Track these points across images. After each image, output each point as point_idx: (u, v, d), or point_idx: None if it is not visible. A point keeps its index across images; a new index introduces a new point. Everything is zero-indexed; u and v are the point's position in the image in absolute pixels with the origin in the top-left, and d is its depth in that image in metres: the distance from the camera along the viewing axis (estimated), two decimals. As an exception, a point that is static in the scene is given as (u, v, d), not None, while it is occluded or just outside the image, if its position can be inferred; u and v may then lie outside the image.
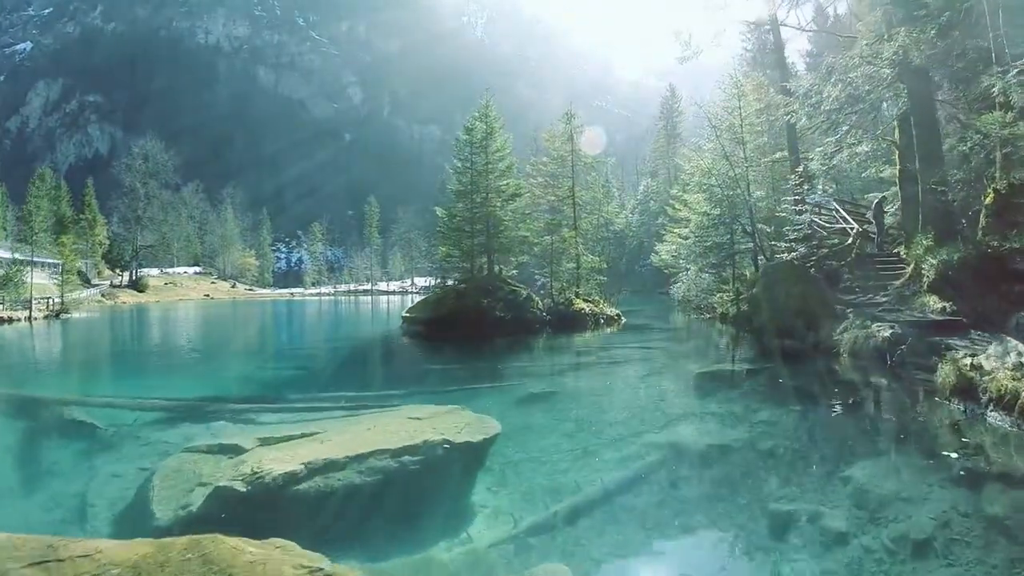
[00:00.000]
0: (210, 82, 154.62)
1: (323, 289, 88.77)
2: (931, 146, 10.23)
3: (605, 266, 17.59)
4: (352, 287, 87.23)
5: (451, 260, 16.23)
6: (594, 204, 18.38)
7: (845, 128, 10.76)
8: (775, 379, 7.53)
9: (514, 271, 16.63)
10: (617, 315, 16.62)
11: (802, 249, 11.65)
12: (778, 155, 14.60)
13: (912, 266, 10.07)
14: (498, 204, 15.95)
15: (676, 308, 24.66)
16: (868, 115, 10.37)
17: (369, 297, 74.11)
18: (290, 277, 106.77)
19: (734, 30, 31.82)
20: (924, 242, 9.99)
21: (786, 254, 11.94)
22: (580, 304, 16.02)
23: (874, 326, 8.36)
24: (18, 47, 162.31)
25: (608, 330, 15.36)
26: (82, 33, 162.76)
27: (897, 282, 10.48)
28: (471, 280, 15.54)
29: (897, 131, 11.01)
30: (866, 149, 10.55)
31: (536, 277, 17.58)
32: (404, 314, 15.35)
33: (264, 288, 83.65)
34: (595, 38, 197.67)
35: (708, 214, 14.68)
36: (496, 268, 16.08)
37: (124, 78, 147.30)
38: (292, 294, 79.85)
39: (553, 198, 17.24)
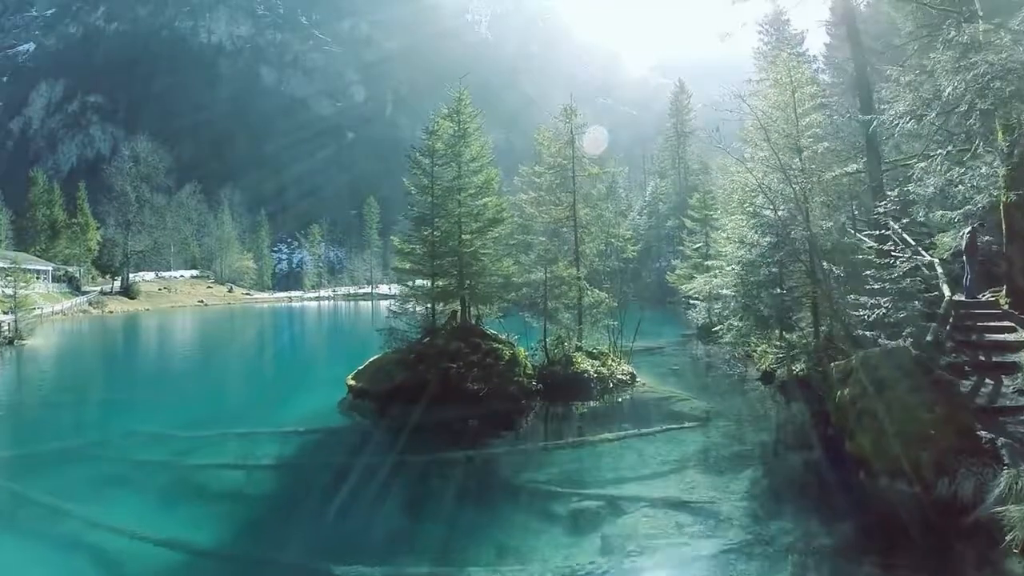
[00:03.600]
0: (212, 82, 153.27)
1: (322, 292, 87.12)
2: None
3: (615, 304, 13.23)
4: (352, 290, 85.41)
5: (411, 304, 12.20)
6: (601, 225, 14.02)
7: (960, 136, 7.85)
8: None
9: (500, 316, 12.85)
10: (630, 376, 12.76)
11: (887, 305, 8.16)
12: (852, 168, 10.85)
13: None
14: (473, 233, 12.03)
15: (695, 337, 21.45)
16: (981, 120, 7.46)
17: (369, 302, 72.15)
18: (291, 278, 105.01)
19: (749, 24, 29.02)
20: None
21: (868, 311, 8.46)
22: (582, 362, 12.13)
23: None
24: (21, 48, 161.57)
25: (619, 399, 11.83)
26: (84, 33, 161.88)
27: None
28: (436, 334, 11.50)
29: (1000, 138, 8.29)
30: (1001, 171, 7.54)
31: (527, 320, 13.03)
32: (349, 380, 11.63)
33: (263, 292, 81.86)
34: (600, 35, 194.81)
35: (756, 245, 11.01)
36: (473, 312, 12.39)
37: (126, 78, 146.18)
38: (290, 299, 78.15)
39: (548, 219, 13.59)
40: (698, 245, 26.25)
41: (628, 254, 14.34)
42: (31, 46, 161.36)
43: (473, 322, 12.24)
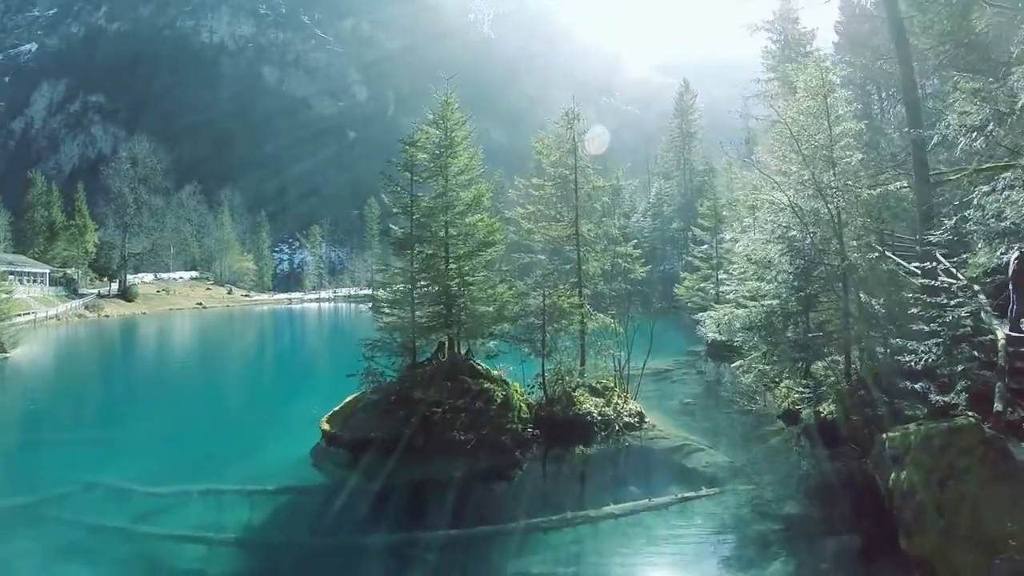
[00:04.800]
0: (214, 81, 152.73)
1: (323, 294, 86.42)
2: None
3: (621, 331, 11.69)
4: (353, 291, 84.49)
5: (391, 342, 10.43)
6: (606, 243, 12.70)
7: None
8: None
9: (492, 347, 11.08)
10: (638, 416, 11.18)
11: (937, 351, 7.03)
12: (896, 186, 9.42)
13: None
14: (460, 258, 10.45)
15: (705, 354, 20.32)
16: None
17: (370, 304, 71.02)
18: (292, 279, 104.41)
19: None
20: None
21: (913, 357, 7.25)
22: (584, 402, 10.68)
23: None
24: (23, 48, 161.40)
25: (626, 444, 10.45)
26: (86, 33, 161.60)
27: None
28: (419, 372, 10.03)
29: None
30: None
31: (524, 352, 11.35)
32: (323, 425, 10.27)
33: (263, 293, 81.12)
34: (602, 34, 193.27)
35: (782, 271, 9.62)
36: (463, 345, 10.85)
37: (127, 78, 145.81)
38: (290, 300, 77.44)
39: (547, 237, 12.13)
40: (704, 247, 25.31)
41: (637, 275, 13.02)
42: (33, 46, 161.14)
43: (462, 354, 10.97)
